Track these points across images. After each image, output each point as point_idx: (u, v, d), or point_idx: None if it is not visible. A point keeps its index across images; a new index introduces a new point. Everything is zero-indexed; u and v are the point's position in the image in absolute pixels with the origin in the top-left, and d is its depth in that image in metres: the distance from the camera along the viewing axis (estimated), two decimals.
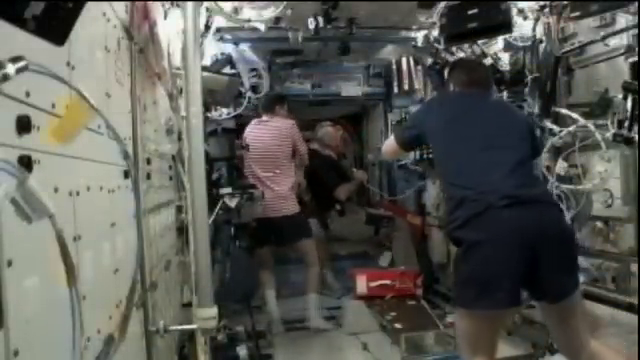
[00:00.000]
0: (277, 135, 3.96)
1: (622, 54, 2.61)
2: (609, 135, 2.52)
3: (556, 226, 2.11)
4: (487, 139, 2.24)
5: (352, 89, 5.24)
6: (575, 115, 2.79)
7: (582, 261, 2.80)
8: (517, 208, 2.03)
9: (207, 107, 4.05)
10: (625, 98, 2.42)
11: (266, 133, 3.99)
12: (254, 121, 4.15)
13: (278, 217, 3.90)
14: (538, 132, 3.11)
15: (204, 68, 2.99)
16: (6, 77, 0.77)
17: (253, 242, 4.18)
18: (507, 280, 2.01)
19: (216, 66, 3.80)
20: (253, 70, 4.41)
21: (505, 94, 3.51)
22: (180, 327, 2.09)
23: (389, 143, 2.74)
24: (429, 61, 4.47)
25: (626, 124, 2.44)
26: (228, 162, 5.08)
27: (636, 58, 2.45)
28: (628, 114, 2.42)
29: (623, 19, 2.58)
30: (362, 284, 4.33)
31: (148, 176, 2.06)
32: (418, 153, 4.42)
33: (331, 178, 4.87)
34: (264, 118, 4.10)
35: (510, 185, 2.10)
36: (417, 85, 4.83)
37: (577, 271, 2.20)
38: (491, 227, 2.04)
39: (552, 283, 2.06)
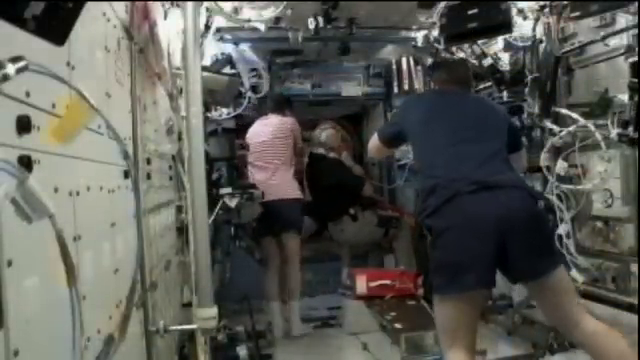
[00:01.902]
0: (281, 129, 4.07)
1: (622, 54, 2.61)
2: (614, 135, 2.52)
3: (523, 209, 2.14)
4: (461, 132, 2.32)
5: (352, 89, 5.23)
6: (575, 115, 2.78)
7: (582, 261, 2.81)
8: (484, 193, 2.10)
9: (207, 107, 4.04)
10: (631, 98, 2.42)
11: (270, 128, 4.09)
12: (260, 119, 4.24)
13: (275, 200, 3.93)
14: (538, 131, 3.13)
15: (204, 68, 2.98)
16: (6, 77, 0.77)
17: (257, 233, 4.21)
18: (475, 262, 2.05)
19: (216, 66, 3.80)
20: (253, 70, 4.41)
21: (505, 94, 3.51)
22: (180, 327, 2.09)
23: (373, 141, 2.80)
24: (429, 61, 4.47)
25: (631, 125, 2.44)
26: (228, 162, 5.08)
27: (636, 58, 2.45)
28: (633, 115, 2.42)
29: (623, 19, 2.58)
30: (362, 284, 4.32)
31: (148, 176, 2.06)
32: None
33: (352, 179, 4.81)
34: (269, 116, 4.18)
35: (479, 173, 2.17)
36: (417, 85, 4.83)
37: (552, 252, 2.22)
38: (458, 213, 2.10)
39: (523, 264, 2.10)
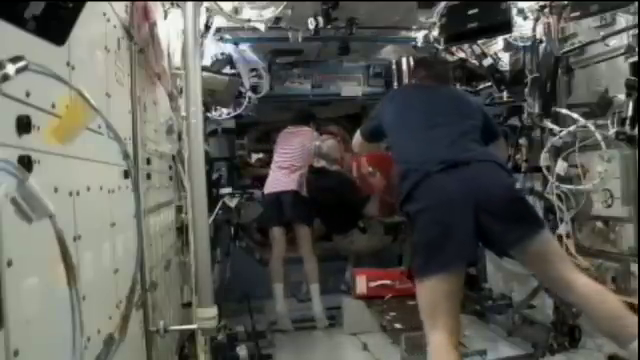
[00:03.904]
0: (310, 140, 4.52)
1: (622, 54, 2.61)
2: (611, 133, 2.52)
3: (493, 181, 2.20)
4: (432, 119, 2.39)
5: (352, 89, 5.22)
6: (575, 115, 2.78)
7: (582, 261, 2.80)
8: (452, 171, 2.15)
9: (207, 107, 4.05)
10: (629, 96, 2.43)
11: (300, 138, 4.51)
12: (289, 128, 4.59)
13: (285, 190, 4.24)
14: (538, 131, 3.13)
15: (204, 68, 2.99)
16: (6, 77, 0.77)
17: (266, 222, 4.41)
18: (451, 240, 2.08)
19: (216, 66, 3.79)
20: (253, 70, 4.40)
21: (505, 94, 3.51)
22: (180, 327, 2.09)
23: (356, 137, 2.90)
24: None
25: (628, 122, 2.44)
26: (228, 162, 5.08)
27: (636, 58, 2.45)
28: (630, 112, 2.43)
29: (623, 19, 2.58)
30: (362, 284, 4.33)
31: (148, 176, 2.06)
32: None
33: (355, 196, 4.70)
34: (300, 127, 4.56)
35: (448, 153, 2.23)
36: None
37: (530, 217, 2.22)
38: (430, 193, 2.16)
39: (502, 232, 2.13)
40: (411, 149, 2.36)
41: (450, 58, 3.96)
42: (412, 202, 2.20)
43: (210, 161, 4.51)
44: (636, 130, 2.43)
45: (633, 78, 2.40)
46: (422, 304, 2.18)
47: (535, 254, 2.18)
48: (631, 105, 2.42)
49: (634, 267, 2.55)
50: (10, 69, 0.77)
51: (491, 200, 2.13)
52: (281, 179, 4.31)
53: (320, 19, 3.20)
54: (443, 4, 3.14)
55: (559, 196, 2.92)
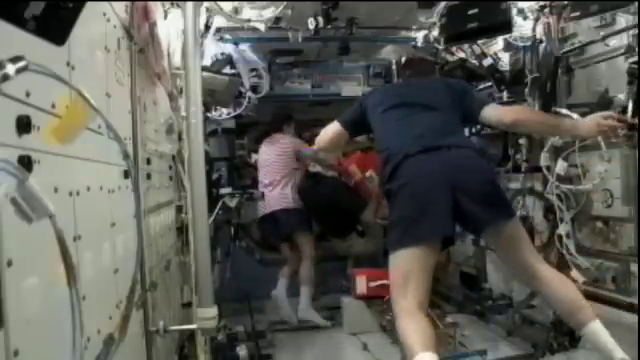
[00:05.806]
0: (282, 148, 4.31)
1: (622, 54, 2.61)
2: None
3: (470, 164, 2.30)
4: (412, 107, 2.48)
5: (352, 89, 5.22)
6: (575, 115, 2.78)
7: (582, 261, 2.81)
8: (431, 152, 2.26)
9: (207, 107, 4.05)
10: (630, 83, 2.45)
11: (273, 147, 4.34)
12: (266, 139, 4.43)
13: (278, 210, 4.21)
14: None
15: (204, 68, 2.99)
16: (6, 77, 0.77)
17: (271, 243, 4.46)
18: (427, 214, 2.16)
19: (216, 66, 3.80)
20: (253, 70, 4.40)
21: (505, 94, 3.51)
22: (180, 327, 2.09)
23: (328, 127, 2.83)
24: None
25: (630, 112, 2.44)
26: (228, 162, 5.08)
27: (636, 58, 2.45)
28: (631, 101, 2.44)
29: (623, 19, 2.58)
30: (362, 284, 4.33)
31: (148, 176, 2.06)
32: None
33: (351, 203, 4.64)
34: (273, 135, 4.37)
35: (427, 137, 2.32)
36: None
37: (504, 202, 2.37)
38: (409, 172, 2.25)
39: (477, 212, 2.22)
40: (393, 136, 2.44)
41: (450, 58, 3.96)
42: (393, 181, 2.29)
43: (210, 161, 4.51)
44: (636, 119, 2.43)
45: (635, 66, 2.42)
46: (393, 275, 2.24)
47: (507, 237, 2.32)
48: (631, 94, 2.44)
49: (634, 267, 2.55)
50: (10, 69, 0.77)
51: (469, 182, 2.23)
52: (268, 198, 4.25)
53: (320, 19, 3.21)
54: (443, 4, 3.15)
55: (559, 196, 2.92)
